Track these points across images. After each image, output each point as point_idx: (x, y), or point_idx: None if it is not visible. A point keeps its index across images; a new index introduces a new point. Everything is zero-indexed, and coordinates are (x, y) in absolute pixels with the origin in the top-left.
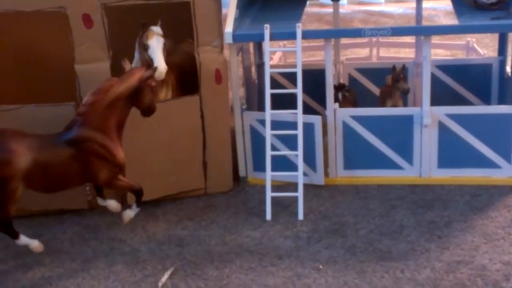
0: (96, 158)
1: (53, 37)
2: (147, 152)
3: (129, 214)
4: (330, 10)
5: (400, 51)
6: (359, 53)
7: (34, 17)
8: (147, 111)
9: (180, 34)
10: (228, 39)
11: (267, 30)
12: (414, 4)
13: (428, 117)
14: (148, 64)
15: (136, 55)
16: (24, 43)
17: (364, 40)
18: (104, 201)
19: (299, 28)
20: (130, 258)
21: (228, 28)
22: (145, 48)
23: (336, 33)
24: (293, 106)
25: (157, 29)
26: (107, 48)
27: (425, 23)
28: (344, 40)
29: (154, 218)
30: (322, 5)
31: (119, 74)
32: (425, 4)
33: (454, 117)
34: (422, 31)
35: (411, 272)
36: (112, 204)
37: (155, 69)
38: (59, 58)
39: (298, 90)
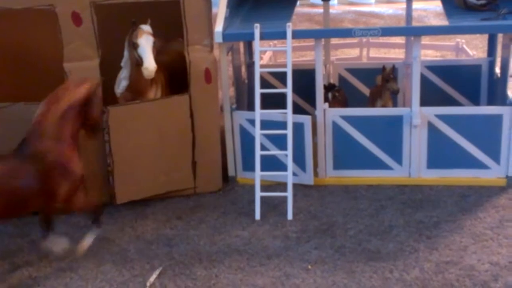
0: (56, 170)
1: (42, 35)
2: (137, 151)
3: (88, 241)
4: (321, 10)
5: (390, 52)
6: (349, 53)
7: (23, 15)
8: (94, 126)
9: (170, 33)
10: (218, 38)
11: (257, 29)
12: (404, 5)
13: (418, 117)
14: (137, 62)
15: (126, 53)
16: (13, 41)
17: (355, 40)
18: (52, 239)
19: (289, 28)
20: (119, 258)
21: (218, 27)
22: (134, 46)
23: (326, 33)
24: (283, 105)
25: (146, 27)
26: (96, 46)
27: (415, 24)
28: (334, 40)
29: (143, 217)
30: (313, 5)
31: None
32: (415, 5)
33: (443, 117)
34: (412, 31)
35: (400, 272)
36: (61, 243)
37: (100, 79)
38: (48, 56)
39: (288, 90)
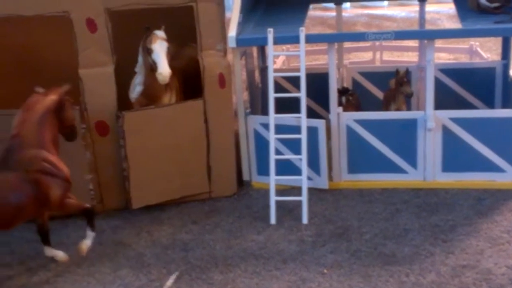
0: (45, 175)
1: (57, 42)
2: (152, 156)
3: (87, 243)
4: (333, 13)
5: (403, 55)
6: (362, 56)
7: (37, 22)
8: (71, 131)
9: (184, 38)
10: (231, 43)
11: (270, 34)
12: (417, 8)
13: (432, 121)
14: (152, 68)
15: (140, 59)
16: (28, 47)
17: (367, 44)
18: (51, 250)
19: (302, 32)
20: (135, 263)
21: (232, 32)
22: (148, 52)
23: (339, 37)
24: (297, 110)
25: (160, 33)
26: (111, 52)
27: (428, 26)
28: (347, 44)
29: (159, 222)
30: (325, 8)
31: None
32: (428, 8)
33: (458, 121)
34: (425, 35)
35: (416, 276)
36: (60, 254)
37: (68, 86)
38: (63, 63)
39: (302, 94)
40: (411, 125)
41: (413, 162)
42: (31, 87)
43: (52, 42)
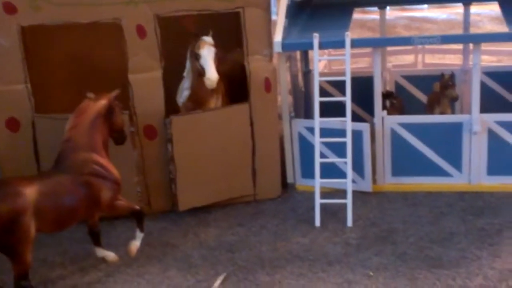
0: (96, 177)
1: (108, 48)
2: (198, 159)
3: (136, 244)
4: (372, 16)
5: (445, 57)
6: (403, 59)
7: (89, 28)
8: (120, 135)
9: (229, 43)
10: (277, 48)
11: (316, 39)
12: (457, 10)
13: (478, 124)
14: (200, 73)
15: (188, 64)
16: (80, 53)
17: (409, 46)
18: (102, 251)
19: (348, 37)
20: (183, 264)
21: (278, 37)
22: (196, 57)
23: (385, 41)
24: (339, 113)
25: (208, 39)
26: (159, 58)
27: (470, 29)
28: (389, 47)
29: (205, 224)
30: (365, 11)
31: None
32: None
33: (503, 124)
34: (472, 38)
35: (463, 279)
36: (110, 254)
37: (117, 91)
38: (114, 68)
39: (347, 98)
40: (457, 128)
41: (458, 165)
42: (83, 92)
43: (103, 48)
